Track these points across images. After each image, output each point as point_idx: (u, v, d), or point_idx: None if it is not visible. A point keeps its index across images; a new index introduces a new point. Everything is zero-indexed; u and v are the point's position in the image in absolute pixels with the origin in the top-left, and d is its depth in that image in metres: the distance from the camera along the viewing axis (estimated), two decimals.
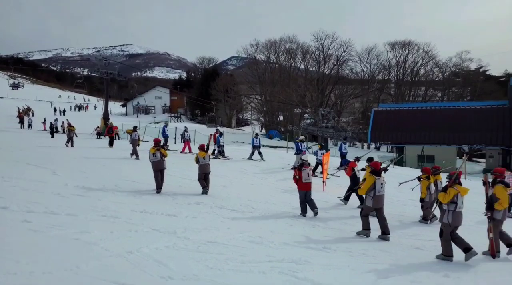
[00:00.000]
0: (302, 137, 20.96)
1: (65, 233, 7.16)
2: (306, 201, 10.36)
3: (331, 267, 6.45)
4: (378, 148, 58.02)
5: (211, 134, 20.92)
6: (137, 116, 72.77)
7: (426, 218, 10.53)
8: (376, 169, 8.83)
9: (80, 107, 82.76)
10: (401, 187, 12.45)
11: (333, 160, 18.56)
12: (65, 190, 11.06)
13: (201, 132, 33.17)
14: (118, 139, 26.19)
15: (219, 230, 8.27)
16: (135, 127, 21.02)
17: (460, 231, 7.41)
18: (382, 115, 39.30)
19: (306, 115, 70.02)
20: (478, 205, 10.92)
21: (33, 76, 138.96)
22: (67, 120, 27.44)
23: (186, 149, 22.68)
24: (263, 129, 72.46)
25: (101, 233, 7.29)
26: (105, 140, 28.73)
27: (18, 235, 6.87)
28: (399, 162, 34.96)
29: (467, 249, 7.15)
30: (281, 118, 75.47)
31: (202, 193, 12.12)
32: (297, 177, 10.31)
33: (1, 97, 74.61)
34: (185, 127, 25.16)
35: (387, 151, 53.71)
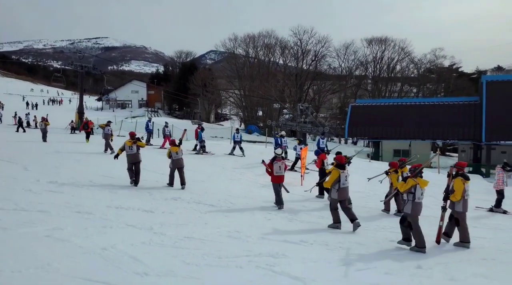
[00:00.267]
0: (283, 132, 21.01)
1: (36, 230, 6.98)
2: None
3: (307, 260, 6.49)
4: (355, 143, 58.83)
5: (185, 129, 20.68)
6: (113, 111, 71.61)
7: (400, 210, 10.74)
8: (340, 163, 9.07)
9: (53, 101, 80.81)
10: (376, 182, 12.54)
11: (311, 154, 18.67)
12: (37, 186, 10.78)
13: (179, 127, 32.86)
14: (92, 134, 25.68)
15: (196, 225, 8.22)
16: (109, 122, 20.68)
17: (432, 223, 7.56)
18: (359, 110, 39.81)
19: (285, 110, 70.30)
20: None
21: (3, 69, 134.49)
22: (47, 115, 26.78)
23: (167, 144, 22.41)
24: (242, 124, 72.37)
25: (75, 230, 7.14)
26: (80, 135, 28.22)
27: None
28: (376, 156, 35.56)
29: (407, 240, 7.55)
30: (260, 113, 75.50)
31: (168, 185, 12.33)
32: (270, 170, 10.50)
33: None
34: (166, 122, 24.81)
35: (364, 146, 54.48)
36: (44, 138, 22.62)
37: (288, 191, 11.00)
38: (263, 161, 11.00)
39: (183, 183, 12.30)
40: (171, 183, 12.40)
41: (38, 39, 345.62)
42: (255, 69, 74.23)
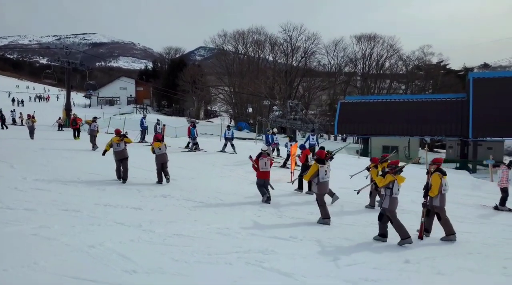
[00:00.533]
0: (275, 130, 21.06)
1: (22, 228, 6.90)
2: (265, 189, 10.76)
3: (297, 256, 6.51)
4: (344, 140, 59.10)
5: (164, 125, 20.45)
6: (101, 107, 70.99)
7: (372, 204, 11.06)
8: (320, 158, 9.27)
9: (40, 98, 79.79)
10: (362, 177, 12.53)
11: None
12: (23, 184, 10.65)
13: (169, 124, 32.66)
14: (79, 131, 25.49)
15: (185, 222, 8.19)
16: (94, 118, 20.57)
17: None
18: (348, 107, 39.95)
19: (274, 107, 70.32)
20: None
21: None
22: (34, 112, 26.50)
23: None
24: (232, 120, 72.24)
25: (62, 228, 7.07)
26: (67, 132, 27.95)
27: None
28: (365, 153, 35.76)
29: (383, 235, 7.73)
30: (250, 110, 75.42)
31: (157, 182, 12.25)
32: (256, 166, 10.66)
33: None
34: (158, 120, 24.55)
35: (353, 142, 54.76)
36: (31, 135, 22.43)
37: (273, 188, 11.12)
38: (250, 157, 11.06)
39: (165, 174, 12.35)
40: (159, 181, 12.35)
41: (24, 35, 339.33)
42: (244, 65, 74.08)
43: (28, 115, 24.51)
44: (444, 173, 8.32)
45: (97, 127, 19.86)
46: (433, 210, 8.30)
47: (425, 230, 8.29)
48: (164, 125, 16.55)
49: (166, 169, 12.38)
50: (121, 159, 12.21)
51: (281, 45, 73.13)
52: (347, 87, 72.21)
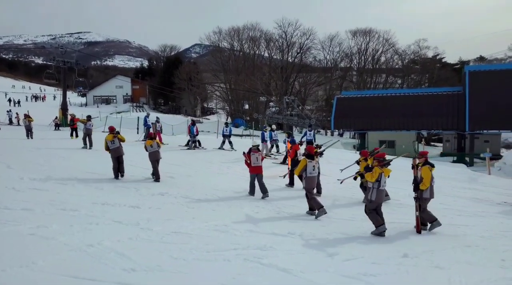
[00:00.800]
0: (273, 126, 21.03)
1: (20, 228, 6.87)
2: (259, 184, 10.95)
3: (295, 252, 6.53)
4: (341, 135, 59.16)
5: (153, 123, 20.38)
6: (98, 106, 70.83)
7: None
8: (310, 153, 9.49)
9: (36, 98, 79.48)
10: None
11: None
12: (20, 184, 10.60)
13: (166, 122, 32.63)
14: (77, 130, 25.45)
15: (183, 220, 8.19)
16: (89, 116, 20.53)
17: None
18: (344, 102, 39.95)
19: (271, 103, 70.28)
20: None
21: None
22: (28, 111, 26.47)
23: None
24: (229, 117, 72.14)
25: (60, 227, 7.06)
26: (63, 131, 27.90)
27: None
28: (362, 148, 35.81)
29: (380, 225, 7.83)
30: (246, 106, 75.34)
31: (156, 180, 12.28)
32: (248, 161, 10.91)
33: None
34: (157, 118, 24.42)
35: (350, 137, 54.80)
36: (28, 135, 22.46)
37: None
38: (244, 153, 11.16)
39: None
40: (157, 178, 12.37)
41: (19, 35, 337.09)
42: (240, 62, 73.92)
43: (25, 115, 24.47)
44: (432, 165, 8.43)
45: (92, 126, 19.86)
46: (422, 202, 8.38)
47: (421, 223, 8.36)
48: (153, 124, 16.52)
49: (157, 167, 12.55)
50: (118, 157, 12.36)
51: (276, 41, 73.04)
52: (343, 82, 72.16)
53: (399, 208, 10.51)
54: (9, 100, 62.18)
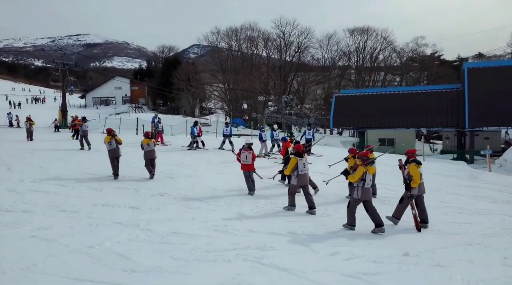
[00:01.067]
0: (275, 126, 21.00)
1: (21, 231, 6.89)
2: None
3: (295, 252, 6.53)
4: (340, 133, 59.16)
5: (153, 123, 20.44)
6: (97, 108, 70.82)
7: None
8: (299, 151, 9.65)
9: (36, 100, 79.55)
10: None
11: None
12: (21, 186, 10.62)
13: (164, 123, 32.58)
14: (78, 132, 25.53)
15: (183, 220, 8.18)
16: (84, 118, 20.60)
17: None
18: (343, 100, 39.92)
19: (269, 103, 70.26)
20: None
21: None
22: (30, 115, 26.55)
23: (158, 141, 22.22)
24: (228, 117, 72.14)
25: (60, 229, 7.06)
26: (63, 133, 27.90)
27: None
28: (361, 146, 35.80)
29: (379, 225, 7.94)
30: (245, 106, 75.33)
31: (150, 178, 12.62)
32: (238, 158, 11.29)
33: None
34: (158, 118, 24.39)
35: (349, 136, 54.81)
36: (29, 137, 22.64)
37: (261, 178, 11.70)
38: (233, 151, 11.40)
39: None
40: (151, 175, 12.77)
41: (18, 37, 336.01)
42: (238, 62, 73.96)
43: (27, 118, 24.59)
44: (419, 163, 8.52)
45: (88, 127, 19.98)
46: (405, 196, 8.51)
47: (421, 221, 8.38)
48: (152, 123, 16.55)
49: (153, 165, 12.89)
50: (114, 157, 12.72)
51: (274, 40, 73.06)
52: (341, 80, 72.17)
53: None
54: (10, 103, 62.27)
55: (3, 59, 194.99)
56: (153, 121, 23.74)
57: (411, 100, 36.55)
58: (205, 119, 65.25)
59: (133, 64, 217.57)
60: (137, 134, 29.25)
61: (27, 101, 73.77)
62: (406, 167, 8.52)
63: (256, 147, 18.79)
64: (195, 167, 15.72)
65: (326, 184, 9.84)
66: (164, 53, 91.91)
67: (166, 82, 70.26)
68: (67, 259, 5.71)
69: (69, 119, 33.82)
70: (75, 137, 23.31)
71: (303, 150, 9.95)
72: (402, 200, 8.56)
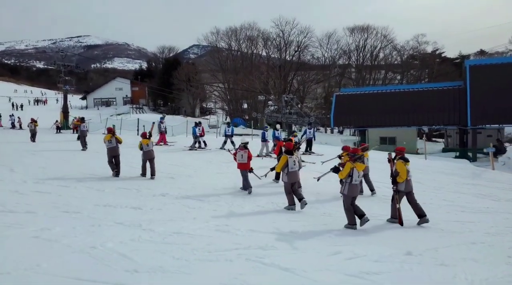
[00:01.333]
0: (278, 126, 21.00)
1: (24, 231, 6.89)
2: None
3: (297, 251, 6.53)
4: (341, 132, 59.13)
5: (153, 122, 20.47)
6: (98, 109, 70.93)
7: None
8: (289, 149, 9.83)
9: (38, 101, 79.84)
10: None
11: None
12: (23, 187, 10.64)
13: (166, 123, 32.58)
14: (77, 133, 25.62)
15: (185, 220, 8.18)
16: (82, 118, 20.68)
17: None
18: (343, 99, 39.85)
19: (270, 102, 70.27)
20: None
21: None
22: (37, 117, 26.79)
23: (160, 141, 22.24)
24: (228, 117, 72.16)
25: (63, 230, 7.06)
26: (65, 134, 27.95)
27: None
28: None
29: (361, 216, 8.15)
30: (245, 105, 75.34)
31: (141, 175, 12.92)
32: (235, 157, 11.45)
33: None
34: (160, 118, 24.35)
35: (350, 134, 54.76)
36: (33, 138, 22.87)
37: (260, 178, 11.74)
38: (228, 150, 11.95)
39: (152, 174, 12.84)
40: (143, 174, 12.98)
41: (20, 40, 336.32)
42: (238, 62, 74.03)
43: (32, 119, 24.74)
44: (407, 160, 8.71)
45: (87, 127, 20.12)
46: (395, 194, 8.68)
47: (419, 216, 8.55)
48: (153, 123, 16.58)
49: (153, 166, 12.97)
50: (114, 156, 12.98)
51: (274, 40, 73.16)
52: (341, 79, 72.12)
53: (401, 205, 10.47)
54: (12, 105, 62.57)
55: (6, 61, 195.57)
56: (160, 122, 23.67)
57: (412, 98, 36.46)
58: (205, 119, 65.29)
59: (133, 65, 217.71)
60: (138, 134, 29.30)
61: (29, 102, 74.05)
62: (395, 162, 8.77)
63: (258, 146, 18.88)
64: (196, 167, 15.73)
65: (317, 180, 9.84)
66: (164, 54, 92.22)
67: (167, 83, 70.37)
68: (69, 259, 5.72)
69: (71, 121, 33.96)
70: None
71: (294, 148, 10.13)
72: (392, 198, 8.75)
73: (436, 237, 7.76)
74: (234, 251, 6.35)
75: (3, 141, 22.68)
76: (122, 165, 13.25)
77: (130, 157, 15.06)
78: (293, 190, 9.73)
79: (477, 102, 32.30)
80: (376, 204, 10.44)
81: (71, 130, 31.39)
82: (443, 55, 70.08)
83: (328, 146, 25.70)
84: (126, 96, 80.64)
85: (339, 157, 11.33)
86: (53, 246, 6.25)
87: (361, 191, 11.33)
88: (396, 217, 8.63)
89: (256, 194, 11.12)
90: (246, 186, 11.36)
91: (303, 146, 20.30)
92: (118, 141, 13.16)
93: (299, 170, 10.43)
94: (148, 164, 12.90)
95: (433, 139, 51.04)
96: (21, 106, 63.18)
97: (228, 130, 20.78)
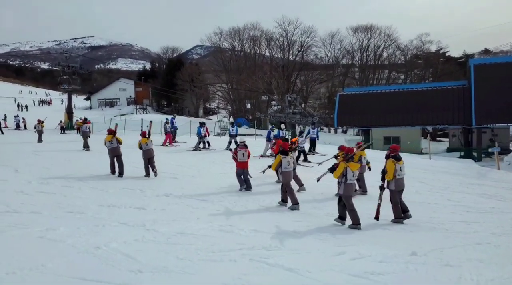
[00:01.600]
0: (282, 126, 20.99)
1: (29, 231, 6.91)
2: (244, 180, 11.55)
3: (301, 251, 6.51)
4: (345, 132, 59.02)
5: (151, 122, 20.62)
6: (102, 109, 71.12)
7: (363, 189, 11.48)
8: (284, 149, 9.95)
9: (43, 102, 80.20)
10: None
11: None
12: (28, 187, 10.68)
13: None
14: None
15: (188, 220, 8.18)
16: (85, 119, 20.75)
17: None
18: (347, 99, 39.82)
19: (273, 102, 70.22)
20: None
21: None
22: (45, 118, 27.01)
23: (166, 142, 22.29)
24: (231, 117, 72.20)
25: (67, 230, 7.08)
26: (69, 135, 28.06)
27: None
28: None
29: (342, 217, 8.35)
30: (248, 106, 75.35)
31: (145, 176, 13.00)
32: (235, 157, 11.48)
33: None
34: (166, 119, 24.29)
35: (353, 134, 54.64)
36: (40, 139, 23.01)
37: (251, 177, 11.76)
38: (230, 149, 11.48)
39: (153, 168, 13.06)
40: (147, 174, 13.07)
41: (25, 41, 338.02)
42: (241, 62, 74.04)
43: (38, 120, 24.90)
44: (398, 159, 8.75)
45: (89, 128, 20.21)
46: (389, 193, 8.77)
47: (403, 211, 8.70)
48: (151, 122, 16.63)
49: (153, 164, 13.13)
50: (116, 156, 13.11)
51: (277, 40, 73.10)
52: (345, 79, 71.98)
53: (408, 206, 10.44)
54: (18, 105, 62.92)
55: (11, 62, 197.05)
56: (171, 122, 23.67)
57: (416, 97, 36.36)
58: (209, 118, 65.33)
59: (137, 66, 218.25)
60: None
61: (34, 103, 74.36)
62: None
63: (261, 146, 18.86)
64: (200, 167, 15.73)
65: (317, 181, 9.82)
66: (167, 54, 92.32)
67: (170, 83, 70.47)
68: (74, 259, 5.73)
69: (75, 121, 34.07)
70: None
71: (289, 148, 10.22)
72: (391, 199, 8.77)
73: (441, 237, 7.72)
74: (238, 251, 6.34)
75: (9, 141, 22.80)
76: (126, 165, 13.29)
77: (134, 157, 15.07)
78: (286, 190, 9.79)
79: (481, 101, 32.14)
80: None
81: (75, 131, 31.50)
82: (447, 54, 69.76)
83: (332, 146, 25.61)
84: (130, 96, 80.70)
85: (335, 157, 11.33)
86: (57, 246, 6.27)
87: (365, 191, 11.43)
88: (400, 217, 8.64)
89: (259, 194, 11.11)
90: (242, 183, 11.51)
91: (306, 147, 20.27)
92: (119, 142, 13.28)
93: (294, 169, 10.53)
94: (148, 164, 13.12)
95: (438, 138, 50.81)
96: (26, 107, 63.50)
97: (232, 130, 20.76)
